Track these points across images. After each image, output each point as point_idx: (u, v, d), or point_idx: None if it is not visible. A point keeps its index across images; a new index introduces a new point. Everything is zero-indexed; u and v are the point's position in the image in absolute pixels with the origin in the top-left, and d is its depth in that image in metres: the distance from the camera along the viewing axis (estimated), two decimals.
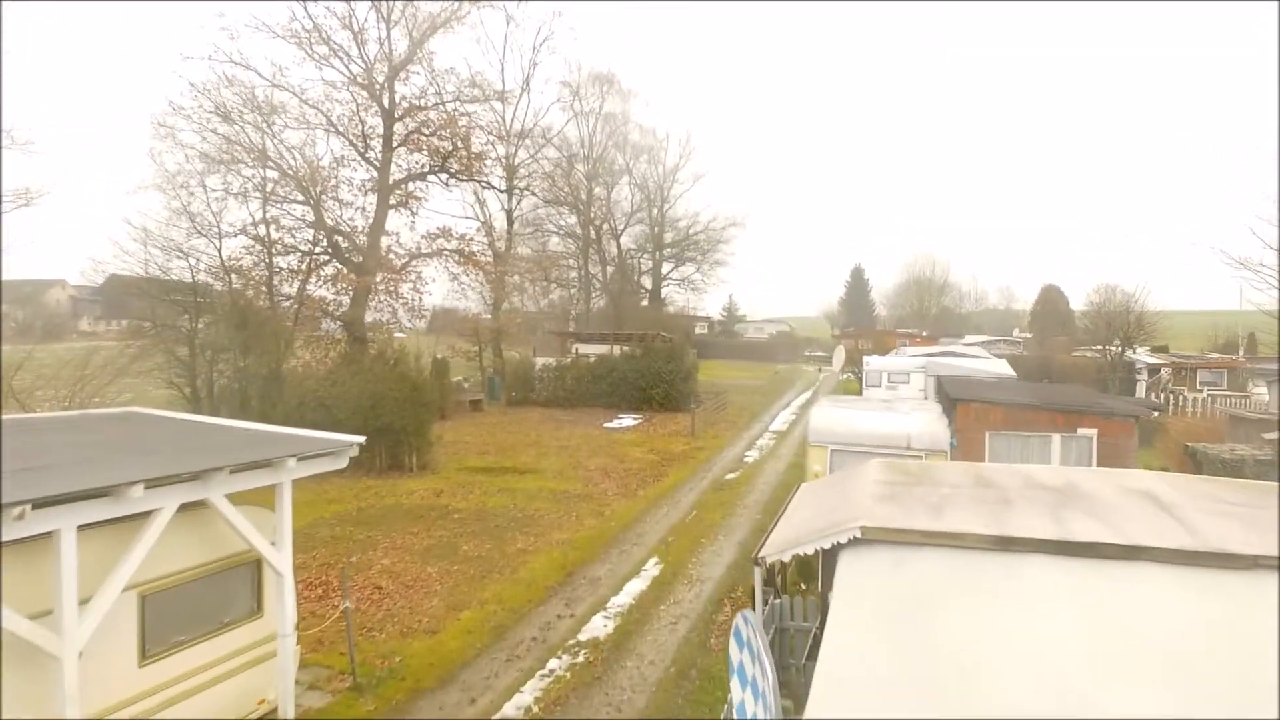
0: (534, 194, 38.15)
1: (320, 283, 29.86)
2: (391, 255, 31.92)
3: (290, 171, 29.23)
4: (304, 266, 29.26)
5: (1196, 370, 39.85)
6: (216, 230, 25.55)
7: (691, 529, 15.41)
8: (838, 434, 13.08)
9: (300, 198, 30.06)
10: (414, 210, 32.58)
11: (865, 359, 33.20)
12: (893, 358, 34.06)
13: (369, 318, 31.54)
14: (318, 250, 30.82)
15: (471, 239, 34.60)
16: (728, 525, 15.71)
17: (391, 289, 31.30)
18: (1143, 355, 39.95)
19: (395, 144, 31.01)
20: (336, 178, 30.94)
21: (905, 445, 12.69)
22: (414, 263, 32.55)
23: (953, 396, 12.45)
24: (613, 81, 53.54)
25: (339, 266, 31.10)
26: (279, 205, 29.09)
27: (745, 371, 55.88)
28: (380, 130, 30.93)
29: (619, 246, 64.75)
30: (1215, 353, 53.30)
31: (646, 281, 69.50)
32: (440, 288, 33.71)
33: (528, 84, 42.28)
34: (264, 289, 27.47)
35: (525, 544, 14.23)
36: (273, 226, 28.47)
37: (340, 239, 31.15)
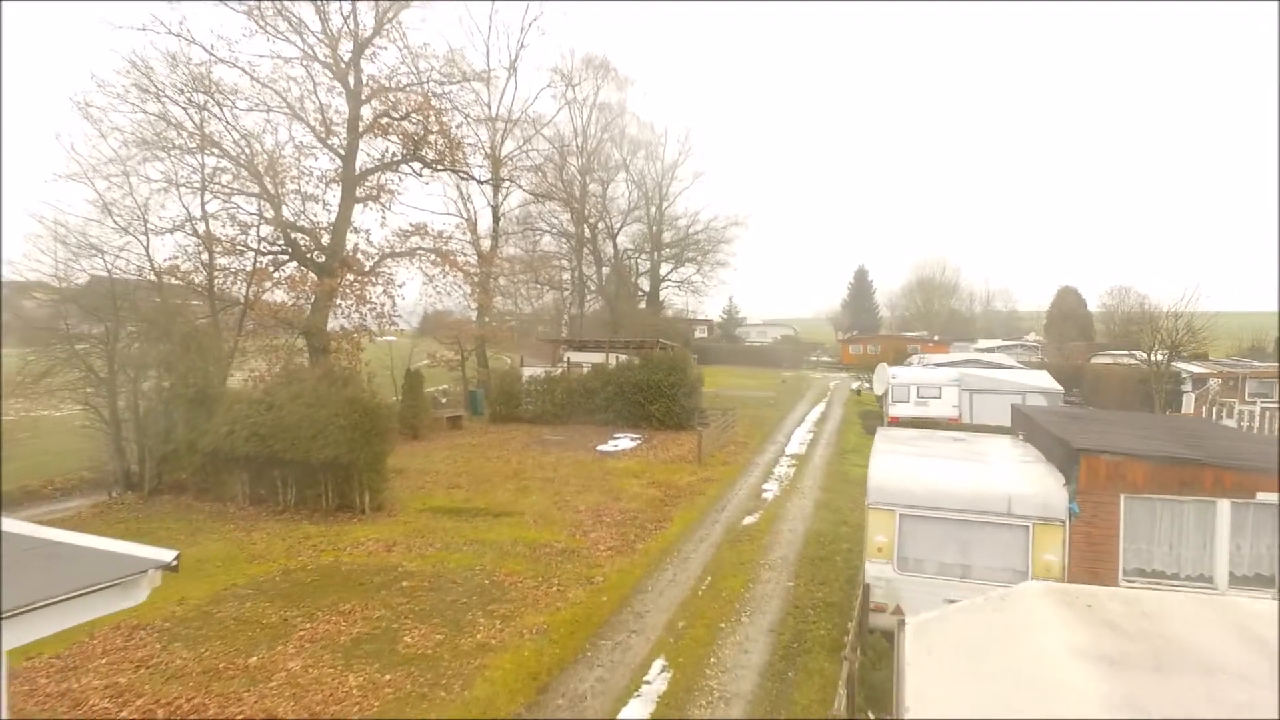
0: (521, 187, 34.74)
1: (276, 285, 26.28)
2: (359, 255, 28.38)
3: (242, 160, 25.72)
4: (257, 268, 25.68)
5: (1245, 380, 36.40)
6: (143, 226, 21.92)
7: (706, 607, 11.90)
8: (910, 493, 9.60)
9: (255, 190, 26.59)
10: (386, 205, 29.03)
11: (889, 369, 29.73)
12: (919, 368, 30.62)
13: (335, 324, 28.08)
14: (275, 249, 27.31)
15: (450, 236, 31.08)
16: (753, 599, 12.21)
17: (358, 293, 27.78)
18: (1185, 363, 36.46)
19: (362, 129, 27.50)
20: (298, 168, 27.43)
21: (1004, 510, 9.22)
22: (385, 263, 29.05)
23: (1075, 446, 8.98)
24: (608, 69, 50.07)
25: (300, 267, 27.60)
26: (227, 199, 25.54)
27: (749, 379, 52.39)
28: (345, 114, 27.44)
29: (615, 246, 61.32)
30: (1239, 357, 49.95)
31: (644, 283, 66.05)
32: (416, 291, 30.32)
33: (514, 67, 38.85)
34: (204, 294, 23.88)
35: (488, 633, 10.70)
36: (218, 222, 24.90)
37: (300, 236, 27.64)
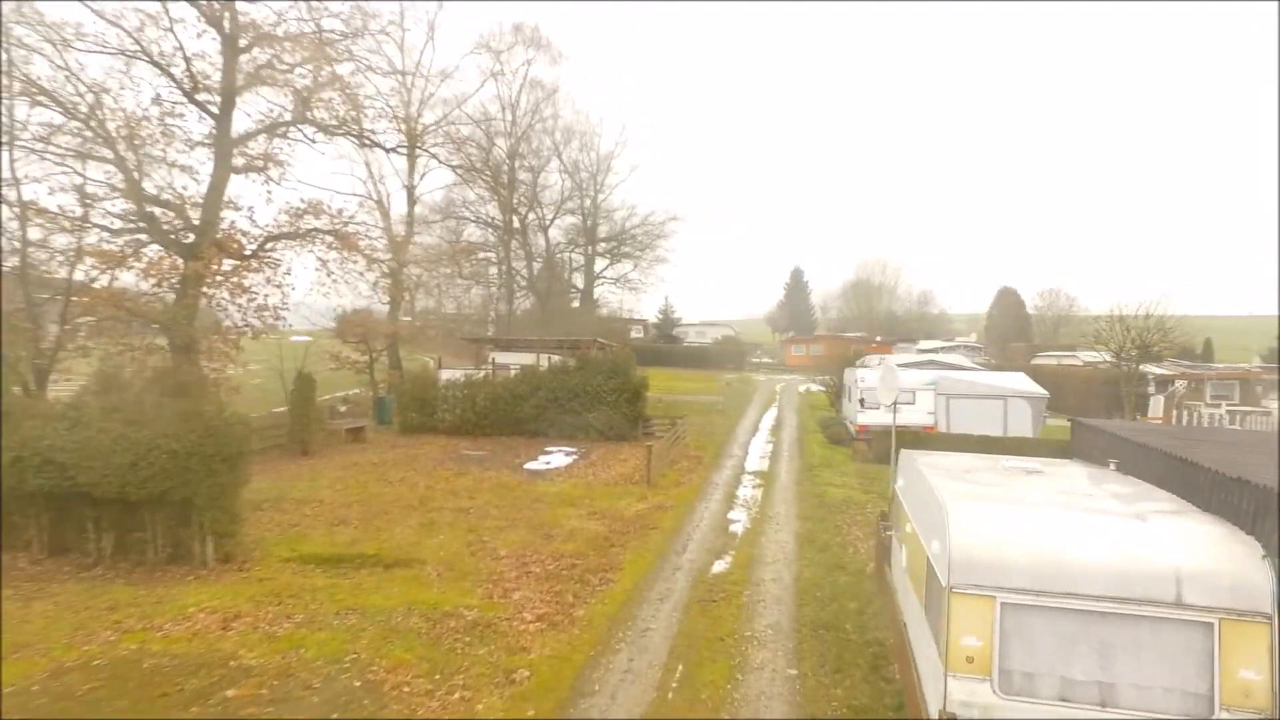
0: (439, 159, 30.35)
1: (121, 268, 21.30)
2: (238, 236, 23.53)
3: (80, 115, 20.75)
4: (92, 247, 20.71)
5: (1206, 382, 34.99)
6: None
7: None
8: (1016, 569, 6.07)
9: (106, 154, 21.61)
10: (274, 178, 24.27)
11: (854, 371, 26.65)
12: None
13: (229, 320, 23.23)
14: (128, 225, 22.31)
15: (353, 217, 26.45)
16: (746, 704, 8.50)
17: (236, 281, 22.98)
18: (1153, 365, 34.84)
19: (240, 83, 22.74)
20: (159, 128, 22.46)
21: (1172, 598, 5.77)
22: (271, 247, 24.27)
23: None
24: (540, 41, 45.85)
25: (161, 249, 22.63)
26: (59, 160, 20.51)
27: (692, 382, 48.96)
28: (220, 64, 22.62)
29: (547, 239, 57.12)
30: (1192, 360, 49.42)
31: (578, 280, 62.02)
32: (313, 280, 25.68)
33: (433, 30, 34.40)
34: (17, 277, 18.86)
35: None
36: (43, 188, 19.89)
37: (161, 211, 22.68)
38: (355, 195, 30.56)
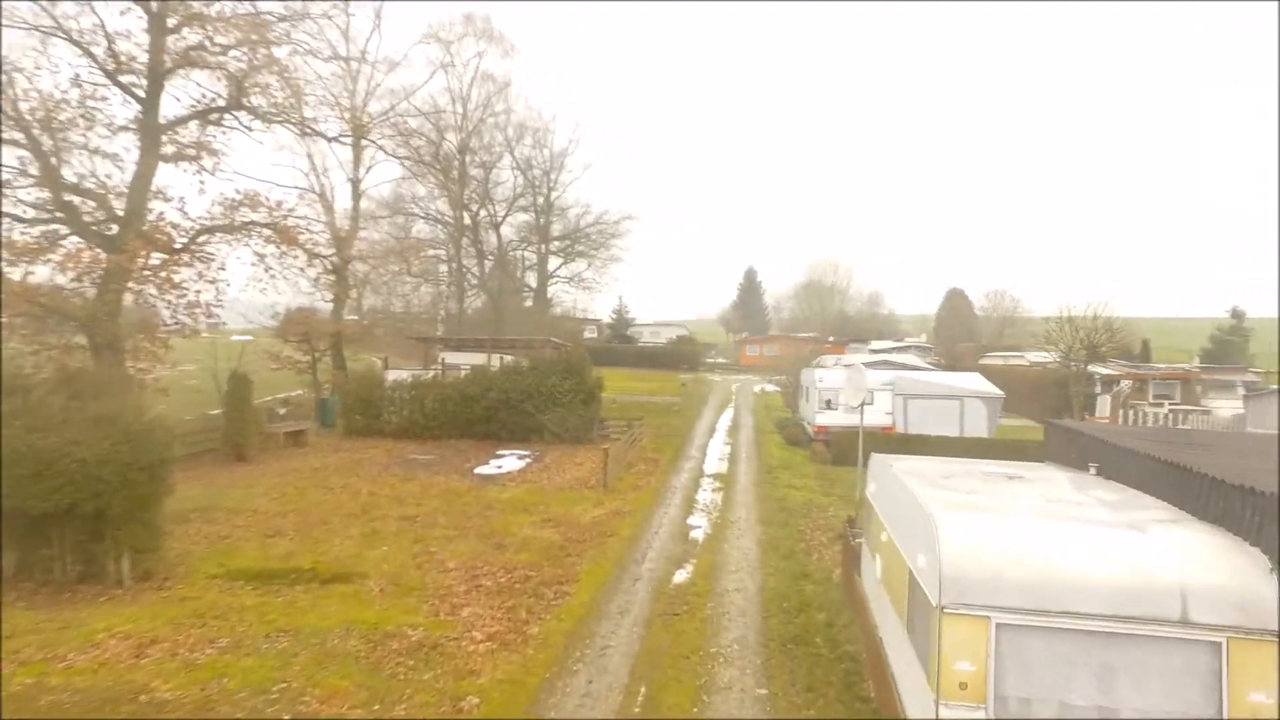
0: (384, 149, 29.21)
1: (34, 259, 19.78)
2: (167, 228, 22.09)
3: None
4: (12, 239, 19.23)
5: (1149, 382, 35.82)
6: None
7: None
8: (1012, 586, 5.59)
9: (18, 137, 20.11)
10: (207, 168, 22.89)
11: (813, 372, 26.39)
12: (843, 369, 27.40)
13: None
14: (43, 215, 20.79)
15: (293, 210, 25.16)
16: None
17: (164, 276, 21.58)
18: (1101, 366, 35.52)
19: (168, 66, 21.35)
20: (80, 111, 20.95)
21: (1177, 615, 5.36)
22: (204, 240, 22.87)
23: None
24: (491, 32, 44.75)
25: (81, 241, 21.11)
26: None
27: (647, 382, 48.38)
28: (146, 45, 21.20)
29: (499, 237, 55.91)
30: (1133, 360, 50.87)
31: (531, 279, 60.95)
32: (244, 275, 24.28)
33: (379, 18, 33.17)
34: None
35: None
36: None
37: (81, 200, 21.20)
38: (297, 188, 29.12)
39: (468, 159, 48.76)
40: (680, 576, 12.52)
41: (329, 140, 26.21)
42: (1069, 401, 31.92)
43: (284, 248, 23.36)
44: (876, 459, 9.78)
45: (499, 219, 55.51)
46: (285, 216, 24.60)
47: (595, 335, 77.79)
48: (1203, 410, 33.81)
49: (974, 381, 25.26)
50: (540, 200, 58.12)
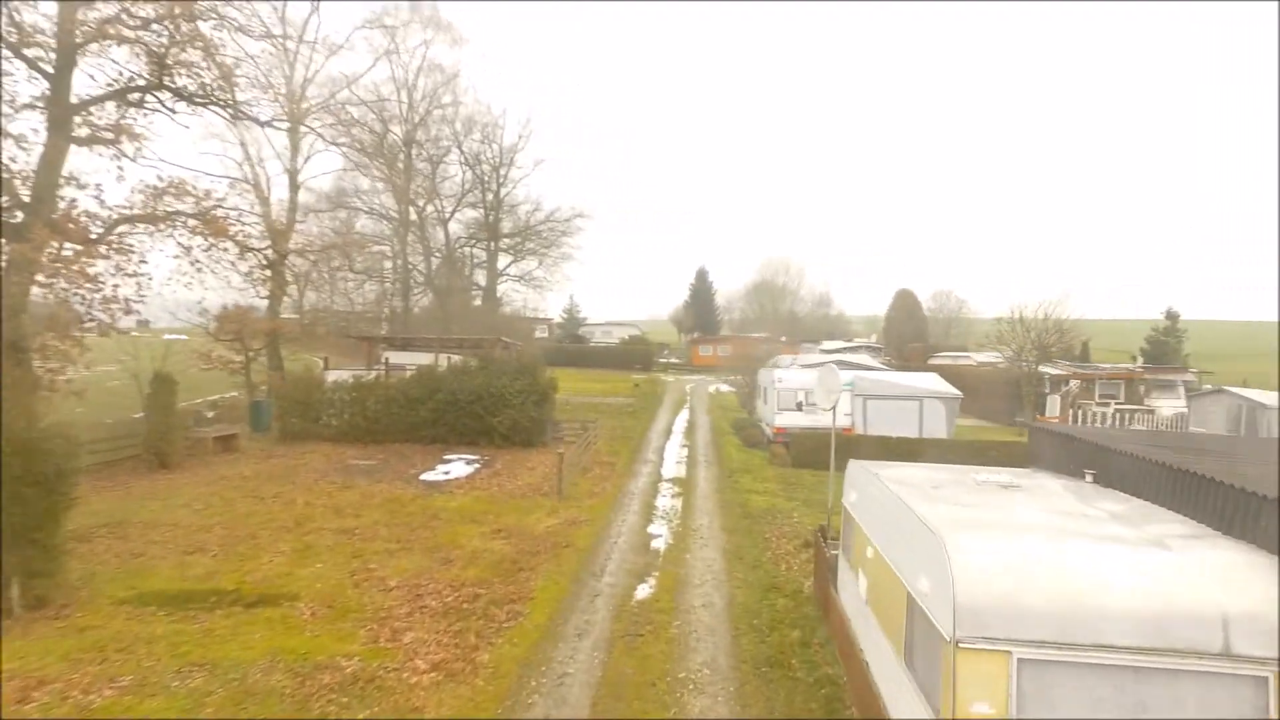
0: (327, 140, 27.67)
1: None
2: (80, 216, 20.29)
3: None
4: None
5: (1095, 382, 36.38)
6: None
7: None
8: (1034, 616, 4.91)
9: None
10: (127, 152, 21.09)
11: (772, 372, 25.84)
12: (802, 370, 26.98)
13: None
14: None
15: (223, 199, 23.51)
16: None
17: (77, 268, 19.80)
18: (1050, 366, 35.90)
19: (80, 39, 19.60)
20: None
21: (1219, 646, 4.75)
22: (124, 230, 21.11)
23: None
24: (439, 24, 43.23)
25: None
26: None
27: (599, 383, 47.49)
28: (55, 15, 19.42)
29: (447, 234, 54.26)
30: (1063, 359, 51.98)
31: (480, 277, 59.34)
32: (169, 268, 22.48)
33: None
34: None
35: None
36: None
37: None
38: (228, 178, 27.29)
39: (414, 152, 47.09)
40: (643, 592, 11.68)
41: (262, 125, 24.54)
42: (1020, 401, 32.15)
43: (212, 239, 21.74)
44: (856, 466, 9.11)
45: (447, 215, 53.90)
46: (215, 206, 22.97)
47: (546, 335, 76.50)
48: (1147, 410, 34.44)
49: (932, 382, 25.05)
50: (490, 197, 56.65)
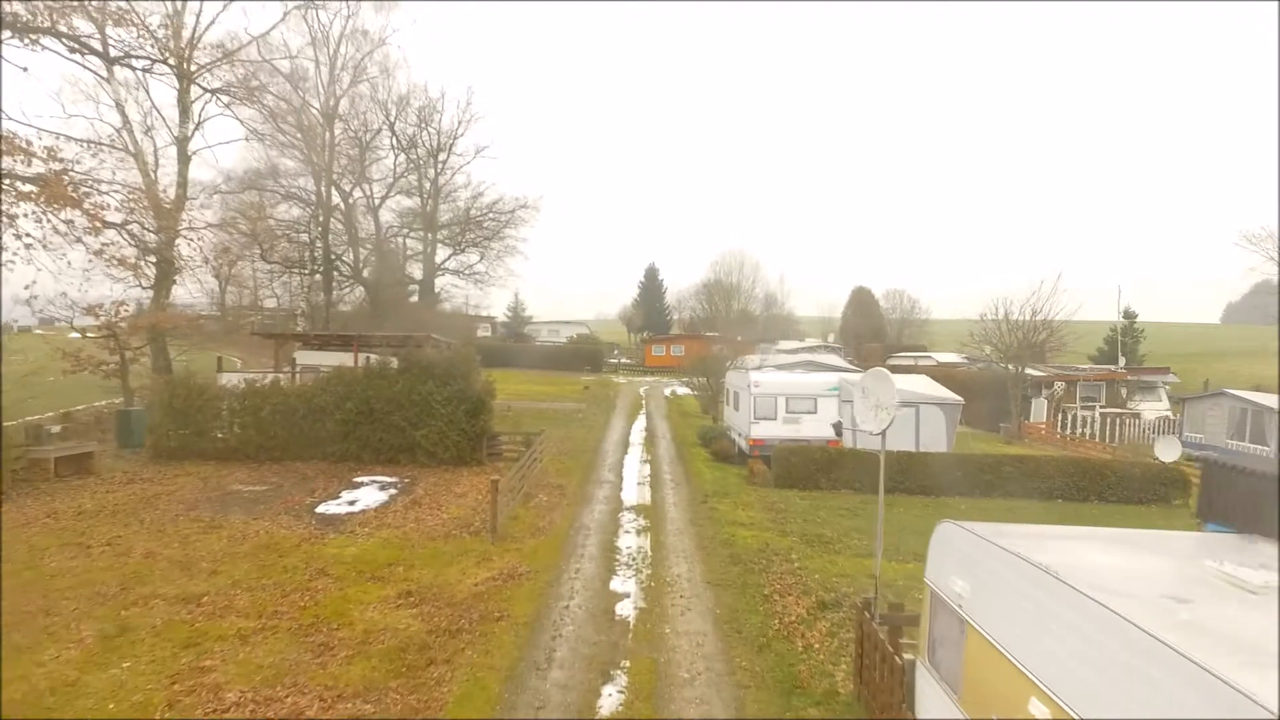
0: (222, 101, 23.16)
1: None
2: None
3: None
4: None
5: (1077, 384, 34.14)
6: None
7: None
8: None
9: None
10: None
11: (746, 374, 22.39)
12: (782, 373, 23.60)
13: None
14: None
15: (76, 164, 18.98)
16: None
17: None
18: (1034, 368, 33.46)
19: None
20: None
21: None
22: None
23: None
24: None
25: None
26: None
27: (546, 385, 43.47)
28: None
29: (377, 222, 49.55)
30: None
31: (416, 271, 54.63)
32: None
33: None
34: None
35: None
36: None
37: None
38: (91, 142, 22.41)
39: (338, 129, 42.35)
40: (609, 699, 7.99)
41: (136, 71, 20.11)
42: (1007, 405, 29.58)
43: (48, 207, 17.22)
44: (956, 533, 5.63)
45: (377, 202, 49.17)
46: (66, 170, 18.47)
47: (489, 334, 72.00)
48: (1132, 413, 32.32)
49: (927, 386, 21.96)
50: (427, 184, 52.05)
